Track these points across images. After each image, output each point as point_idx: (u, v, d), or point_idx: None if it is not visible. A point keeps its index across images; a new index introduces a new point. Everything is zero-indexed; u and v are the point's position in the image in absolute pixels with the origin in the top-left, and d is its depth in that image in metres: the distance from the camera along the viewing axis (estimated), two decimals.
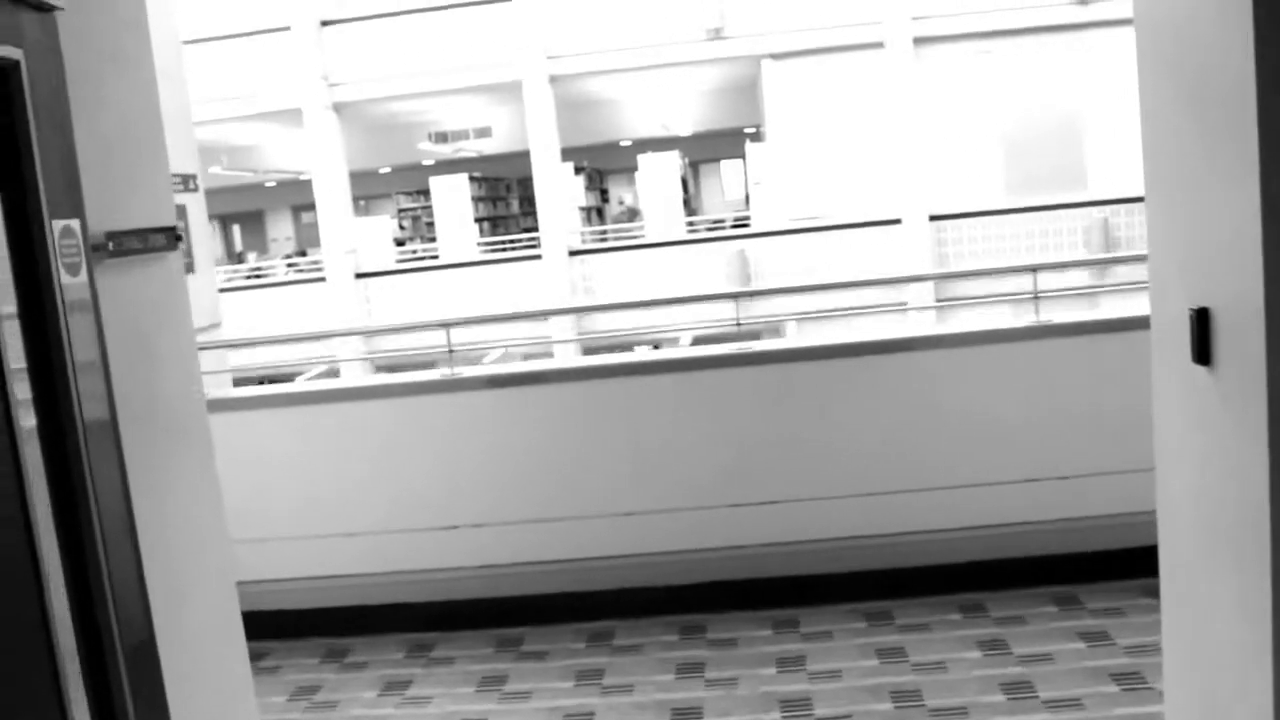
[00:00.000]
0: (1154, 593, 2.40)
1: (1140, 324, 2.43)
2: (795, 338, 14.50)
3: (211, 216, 28.34)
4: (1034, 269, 4.31)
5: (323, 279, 15.08)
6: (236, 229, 28.56)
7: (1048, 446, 4.01)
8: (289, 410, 4.21)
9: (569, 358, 10.00)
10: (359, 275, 15.08)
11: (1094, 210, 14.09)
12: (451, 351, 4.39)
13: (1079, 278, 14.25)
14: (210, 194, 21.44)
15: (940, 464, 4.05)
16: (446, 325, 4.49)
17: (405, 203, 23.28)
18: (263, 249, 26.57)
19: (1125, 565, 3.76)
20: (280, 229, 27.81)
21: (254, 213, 27.65)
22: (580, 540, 4.11)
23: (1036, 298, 4.25)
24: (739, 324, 4.71)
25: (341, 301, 14.91)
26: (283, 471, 4.17)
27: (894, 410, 4.08)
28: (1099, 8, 13.55)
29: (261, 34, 15.04)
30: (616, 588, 4.14)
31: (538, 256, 14.73)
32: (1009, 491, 4.01)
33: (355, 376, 10.83)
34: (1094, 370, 4.01)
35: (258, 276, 18.20)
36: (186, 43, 15.32)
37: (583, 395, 4.18)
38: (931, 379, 4.13)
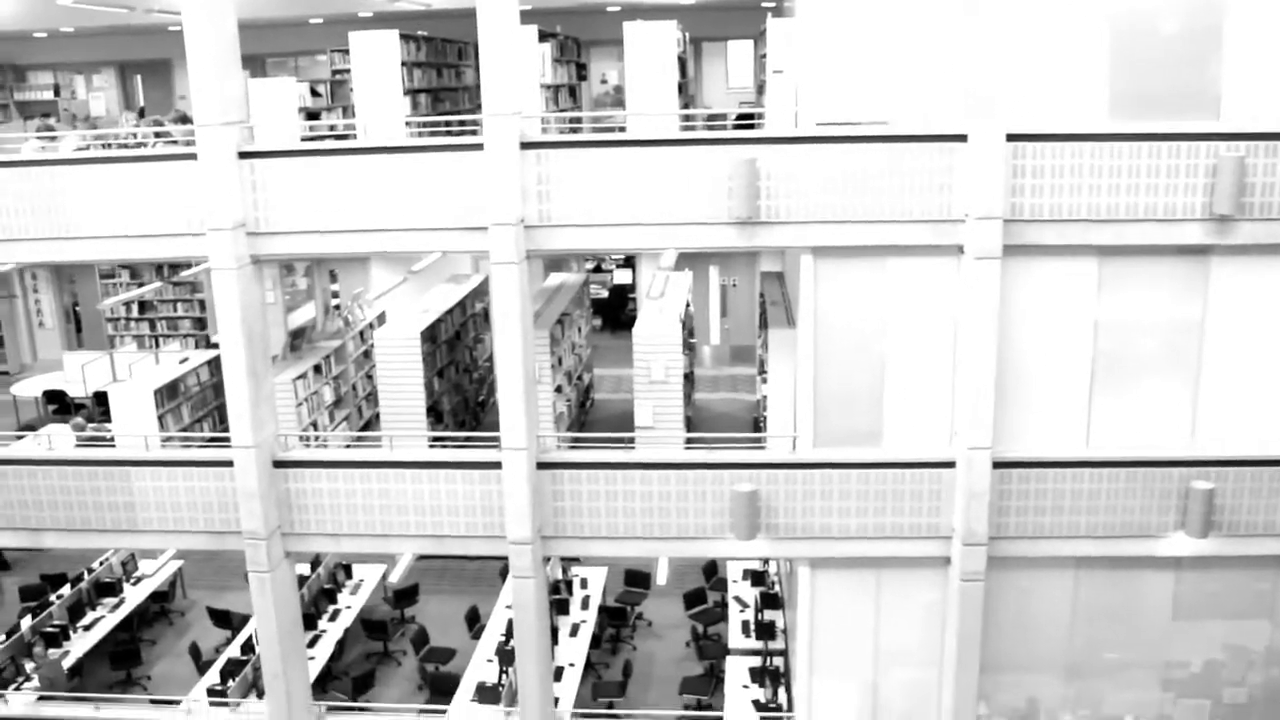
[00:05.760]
0: None
1: None
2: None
3: (109, 63, 24.86)
4: None
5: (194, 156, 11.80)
6: (139, 80, 24.91)
7: None
8: None
9: None
10: (244, 154, 11.82)
11: (1224, 146, 11.00)
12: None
13: None
14: (104, 35, 17.80)
15: None
16: None
17: (340, 63, 19.89)
18: (168, 109, 23.07)
19: None
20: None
21: (160, 62, 24.01)
22: None
23: None
24: None
25: (216, 188, 11.69)
26: None
27: None
28: None
29: None
30: None
31: (479, 146, 11.51)
32: None
33: None
34: None
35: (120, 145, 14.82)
36: None
37: None
38: None
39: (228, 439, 12.50)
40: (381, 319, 24.32)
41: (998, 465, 11.85)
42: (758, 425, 21.56)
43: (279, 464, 12.71)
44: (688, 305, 24.05)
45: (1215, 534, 11.98)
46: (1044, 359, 11.87)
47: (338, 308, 23.47)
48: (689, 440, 16.99)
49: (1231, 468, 11.88)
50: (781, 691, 15.10)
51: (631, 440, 16.68)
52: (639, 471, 12.39)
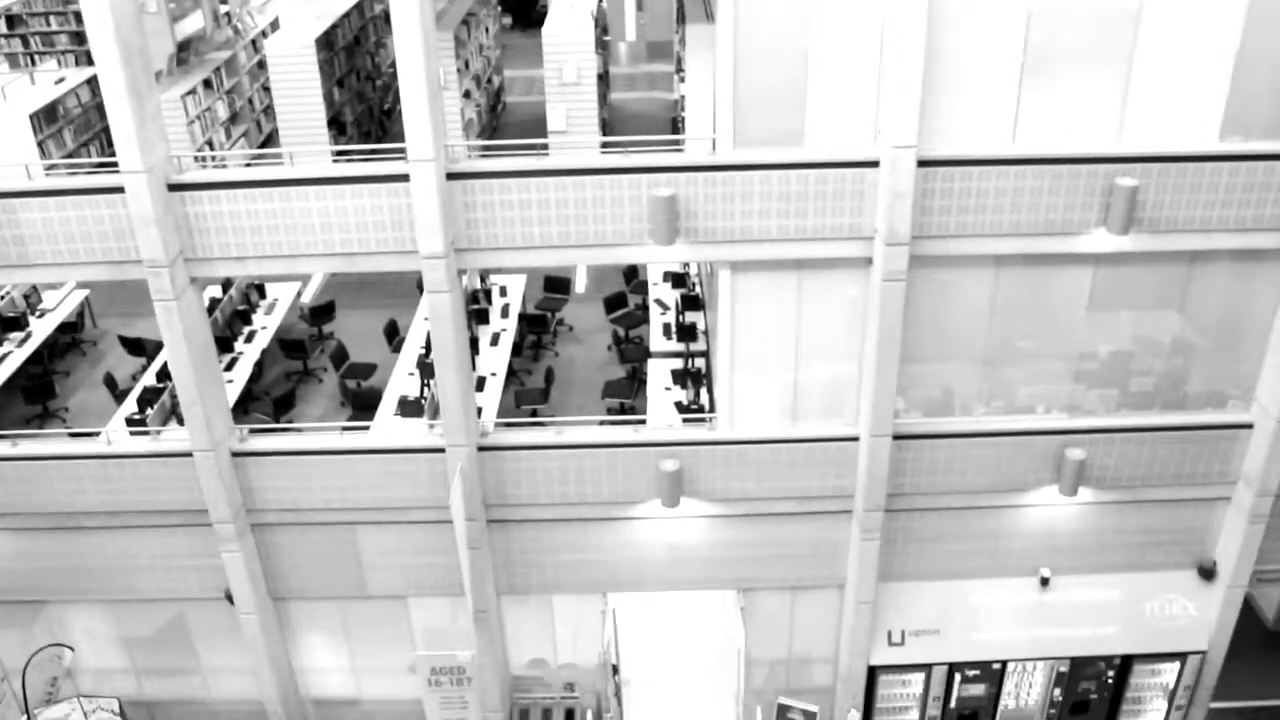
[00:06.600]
0: None
1: None
2: None
3: None
4: None
5: None
6: None
7: None
8: None
9: None
10: None
11: None
12: None
13: None
14: None
15: None
16: None
17: None
18: None
19: None
20: None
21: None
22: None
23: None
24: None
25: None
26: None
27: None
28: None
29: None
30: None
31: None
32: None
33: None
34: None
35: None
36: None
37: None
38: None
39: (116, 164, 11.77)
40: (275, 26, 22.86)
41: (922, 164, 11.60)
42: (676, 126, 21.01)
43: (174, 187, 12.05)
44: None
45: (1135, 230, 11.99)
46: (973, 53, 11.42)
47: (227, 15, 21.94)
48: (605, 144, 16.46)
49: (1155, 164, 11.75)
50: (703, 392, 15.33)
51: (545, 146, 16.13)
52: (554, 179, 11.96)
